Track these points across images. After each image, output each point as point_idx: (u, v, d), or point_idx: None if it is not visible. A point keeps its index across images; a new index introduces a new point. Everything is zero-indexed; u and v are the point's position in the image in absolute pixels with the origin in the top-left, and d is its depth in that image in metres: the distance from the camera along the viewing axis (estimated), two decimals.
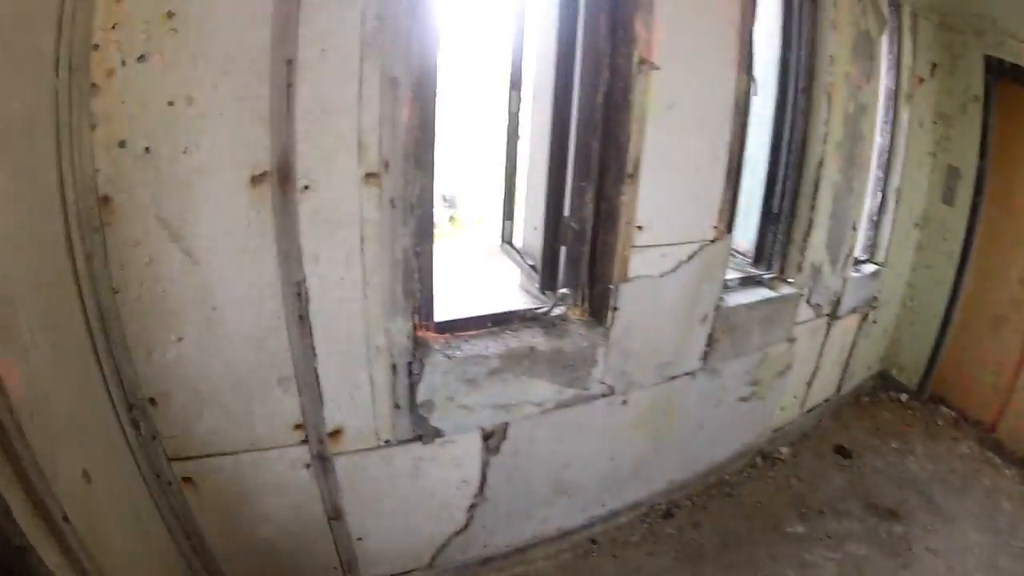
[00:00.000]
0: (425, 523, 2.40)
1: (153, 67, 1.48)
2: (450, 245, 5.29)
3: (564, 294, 2.51)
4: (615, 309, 2.45)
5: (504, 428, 2.40)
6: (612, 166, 2.30)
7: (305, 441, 1.99)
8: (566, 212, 2.46)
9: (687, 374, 2.88)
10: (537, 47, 2.63)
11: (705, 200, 2.56)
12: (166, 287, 1.64)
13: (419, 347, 2.14)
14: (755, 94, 2.61)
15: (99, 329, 1.55)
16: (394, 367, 2.05)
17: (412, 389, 2.10)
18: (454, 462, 2.35)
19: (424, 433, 2.20)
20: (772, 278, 3.23)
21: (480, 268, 3.30)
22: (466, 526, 2.49)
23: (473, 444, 2.36)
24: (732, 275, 3.08)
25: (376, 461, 2.16)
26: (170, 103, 1.52)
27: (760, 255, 3.29)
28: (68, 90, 1.37)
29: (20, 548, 1.07)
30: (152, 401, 1.71)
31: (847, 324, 3.84)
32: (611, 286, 2.41)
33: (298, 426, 1.96)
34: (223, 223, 1.66)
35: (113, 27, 1.42)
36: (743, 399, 3.24)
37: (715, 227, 2.63)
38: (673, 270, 2.56)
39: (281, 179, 1.68)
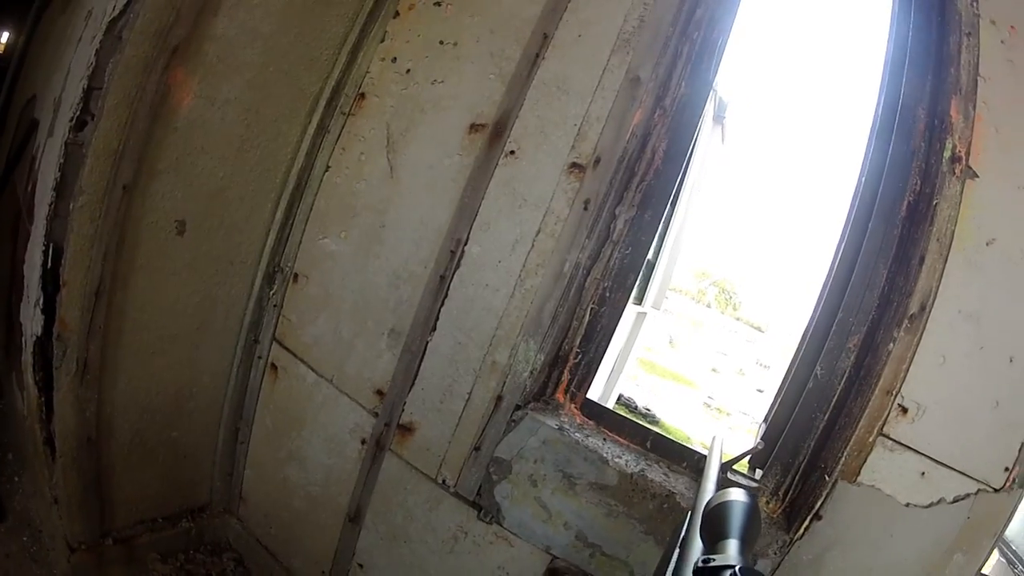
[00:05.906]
0: None
1: (442, 12, 1.75)
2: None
3: (767, 472, 1.61)
4: (816, 517, 1.42)
5: None
6: (893, 299, 1.45)
7: (376, 414, 1.75)
8: (819, 356, 1.63)
9: None
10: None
11: (1010, 419, 1.33)
12: (361, 186, 1.78)
13: (540, 400, 1.68)
14: None
15: (293, 186, 1.78)
16: (499, 399, 1.65)
17: (500, 438, 1.64)
18: (495, 573, 1.67)
19: (484, 505, 1.65)
20: None
21: None
22: None
23: (530, 568, 1.64)
24: None
25: (421, 495, 1.72)
26: (441, 42, 1.74)
27: None
28: (372, 10, 1.76)
29: None
30: (295, 277, 1.81)
31: None
32: (827, 477, 1.43)
33: (379, 392, 1.75)
34: (430, 154, 1.72)
35: None
36: None
37: (1007, 469, 1.32)
38: (926, 506, 1.36)
39: (493, 135, 1.67)
